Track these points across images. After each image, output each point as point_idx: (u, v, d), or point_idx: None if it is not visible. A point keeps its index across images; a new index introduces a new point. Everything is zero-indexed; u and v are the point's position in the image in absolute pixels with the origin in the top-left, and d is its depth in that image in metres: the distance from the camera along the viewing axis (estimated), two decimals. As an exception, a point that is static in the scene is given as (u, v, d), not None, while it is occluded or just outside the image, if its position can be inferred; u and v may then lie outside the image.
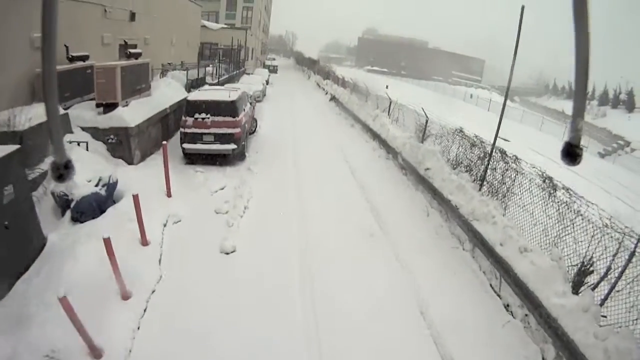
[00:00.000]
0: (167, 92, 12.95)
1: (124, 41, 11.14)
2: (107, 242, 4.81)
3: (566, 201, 5.80)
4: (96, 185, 7.03)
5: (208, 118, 10.08)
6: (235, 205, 8.16)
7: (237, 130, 10.26)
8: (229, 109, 10.22)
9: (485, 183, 8.21)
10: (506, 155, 7.73)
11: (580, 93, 1.04)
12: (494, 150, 8.02)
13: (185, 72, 15.33)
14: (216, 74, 21.32)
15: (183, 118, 10.29)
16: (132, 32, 16.16)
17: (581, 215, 5.41)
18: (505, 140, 28.28)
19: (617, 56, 76.30)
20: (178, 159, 10.66)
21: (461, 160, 9.63)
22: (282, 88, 30.90)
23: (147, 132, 10.70)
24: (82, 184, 6.85)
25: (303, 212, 8.48)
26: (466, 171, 9.12)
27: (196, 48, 28.35)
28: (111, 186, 7.32)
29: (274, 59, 56.02)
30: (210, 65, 22.25)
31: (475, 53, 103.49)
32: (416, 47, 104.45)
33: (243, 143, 10.80)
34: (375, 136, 13.94)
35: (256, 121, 14.23)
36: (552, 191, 6.22)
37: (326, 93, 26.66)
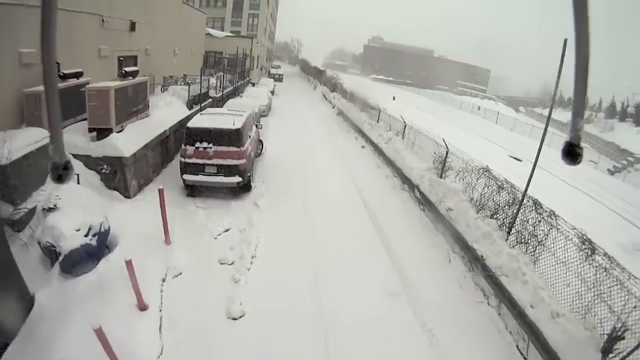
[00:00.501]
0: (166, 111, 12.06)
1: (118, 58, 10.24)
2: (100, 332, 4.03)
3: (606, 267, 5.24)
4: (86, 235, 6.10)
5: (210, 148, 9.10)
6: (241, 255, 7.18)
7: (242, 161, 9.31)
8: (233, 138, 9.22)
9: (513, 231, 7.37)
10: (541, 207, 6.86)
11: (580, 93, 1.01)
12: (524, 199, 7.16)
13: (187, 86, 14.41)
14: (220, 86, 20.42)
15: (183, 146, 9.31)
16: (132, 42, 15.29)
17: (622, 284, 4.93)
18: (517, 159, 27.42)
19: (624, 67, 76.23)
20: (178, 189, 9.75)
21: (485, 202, 8.68)
22: (287, 99, 30.01)
23: (145, 158, 9.79)
24: (70, 235, 5.93)
25: (316, 263, 7.49)
26: (492, 216, 8.21)
27: (200, 57, 27.53)
28: (102, 235, 6.40)
29: (279, 67, 55.27)
30: (214, 77, 21.39)
31: (481, 62, 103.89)
32: (421, 56, 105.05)
33: (249, 174, 9.82)
34: (389, 163, 13.00)
35: (262, 143, 13.28)
36: (590, 253, 5.55)
37: (333, 107, 25.74)
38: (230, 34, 37.51)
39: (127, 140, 9.05)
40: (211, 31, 33.96)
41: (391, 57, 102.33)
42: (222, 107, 17.09)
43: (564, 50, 7.00)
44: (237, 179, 9.30)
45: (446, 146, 10.80)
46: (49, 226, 5.98)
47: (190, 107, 14.32)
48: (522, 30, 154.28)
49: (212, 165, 9.12)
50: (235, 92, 24.40)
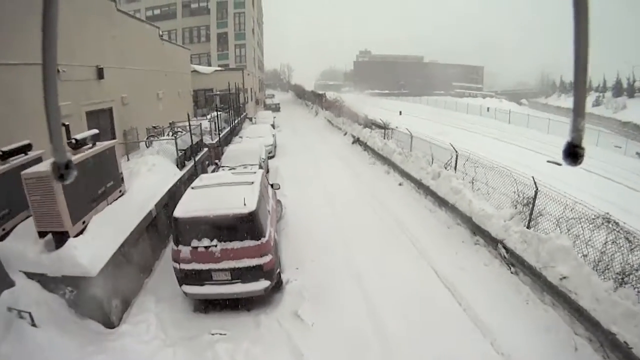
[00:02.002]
0: (150, 179, 9.04)
1: (63, 124, 7.28)
2: None
3: None
4: None
5: (215, 246, 5.99)
6: None
7: (268, 258, 6.15)
8: (248, 226, 6.06)
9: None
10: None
11: (580, 93, 1.01)
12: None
13: (174, 139, 11.46)
14: (216, 129, 17.52)
15: (174, 247, 6.18)
16: (103, 92, 12.51)
17: None
18: (556, 164, 24.28)
19: (618, 42, 74.62)
20: (179, 297, 6.55)
21: (609, 262, 6.23)
22: (291, 131, 26.91)
23: (126, 261, 6.72)
24: None
25: None
26: (622, 282, 5.81)
27: (189, 97, 24.97)
28: None
29: (273, 96, 53.02)
30: (207, 118, 18.52)
31: (472, 60, 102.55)
32: (412, 64, 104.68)
33: (278, 270, 6.72)
34: (445, 205, 9.92)
35: (280, 203, 10.16)
36: None
37: (345, 134, 22.76)
38: (219, 68, 35.02)
39: (93, 246, 6.02)
40: (198, 67, 31.50)
41: (382, 69, 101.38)
42: (221, 154, 14.14)
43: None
44: (263, 284, 6.14)
45: (535, 184, 7.82)
46: None
47: (181, 165, 11.36)
48: (509, 23, 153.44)
49: (223, 270, 5.99)
50: (233, 133, 21.57)
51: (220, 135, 17.47)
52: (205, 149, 14.47)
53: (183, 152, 11.83)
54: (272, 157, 17.76)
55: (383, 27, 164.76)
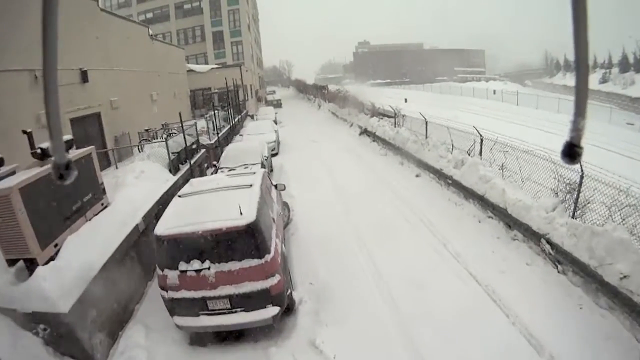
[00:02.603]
0: (138, 188, 8.04)
1: (25, 132, 6.30)
2: None
3: None
4: None
5: (208, 269, 4.80)
6: None
7: (275, 280, 4.97)
8: (248, 241, 4.85)
9: None
10: None
11: (581, 93, 0.98)
12: None
13: (165, 142, 10.41)
14: (214, 129, 16.48)
15: (159, 272, 5.04)
16: (89, 97, 11.56)
17: None
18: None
19: (622, 17, 72.82)
20: (173, 329, 5.41)
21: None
22: (294, 126, 25.63)
23: (109, 286, 5.71)
24: None
25: None
26: None
27: (186, 98, 24.00)
28: None
29: (274, 92, 51.93)
30: (204, 118, 17.48)
31: (472, 45, 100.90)
32: (412, 52, 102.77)
33: (289, 291, 5.63)
34: (473, 196, 8.84)
35: (287, 206, 9.09)
36: None
37: (351, 125, 21.62)
38: (216, 66, 33.95)
39: (66, 274, 5.02)
40: (193, 67, 30.54)
41: (382, 59, 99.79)
42: (220, 154, 13.11)
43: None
44: (271, 311, 4.99)
45: (581, 168, 6.70)
46: None
47: (175, 169, 10.34)
48: (507, 4, 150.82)
49: (220, 298, 4.87)
50: (233, 132, 20.54)
51: (219, 135, 16.42)
52: (203, 150, 13.44)
53: (176, 154, 10.82)
54: (276, 154, 16.67)
55: (381, 18, 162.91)
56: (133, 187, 7.93)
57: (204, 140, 15.01)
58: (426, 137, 12.42)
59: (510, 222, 7.64)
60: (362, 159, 14.92)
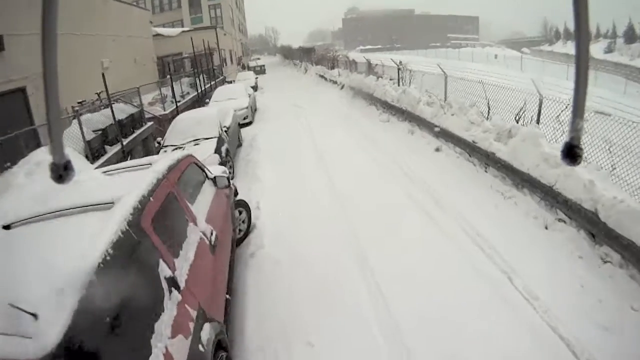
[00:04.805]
0: (31, 191, 4.90)
1: None
2: None
3: None
4: None
5: None
6: None
7: None
8: None
9: None
10: None
11: (580, 94, 0.94)
12: None
13: (77, 116, 7.13)
14: (173, 97, 13.14)
15: None
16: (7, 68, 8.37)
17: None
18: (605, 114, 20.12)
19: None
20: None
21: None
22: (278, 93, 21.97)
23: None
24: None
25: None
26: None
27: (152, 65, 20.58)
28: None
29: (258, 59, 48.12)
30: (164, 86, 14.13)
31: (465, 11, 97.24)
32: (403, 17, 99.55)
33: None
34: (532, 184, 5.63)
35: (247, 208, 5.79)
36: None
37: (342, 87, 18.29)
38: (187, 29, 30.09)
39: None
40: (161, 30, 26.79)
41: (372, 25, 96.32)
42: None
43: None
44: None
45: None
46: None
47: (94, 155, 7.12)
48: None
49: None
50: (203, 99, 17.21)
51: (179, 103, 13.08)
52: (150, 123, 10.17)
53: (100, 132, 7.59)
54: (250, 123, 13.34)
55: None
56: (28, 187, 4.78)
57: (157, 110, 11.72)
58: (445, 99, 9.21)
59: (599, 231, 4.46)
60: (358, 126, 11.59)
